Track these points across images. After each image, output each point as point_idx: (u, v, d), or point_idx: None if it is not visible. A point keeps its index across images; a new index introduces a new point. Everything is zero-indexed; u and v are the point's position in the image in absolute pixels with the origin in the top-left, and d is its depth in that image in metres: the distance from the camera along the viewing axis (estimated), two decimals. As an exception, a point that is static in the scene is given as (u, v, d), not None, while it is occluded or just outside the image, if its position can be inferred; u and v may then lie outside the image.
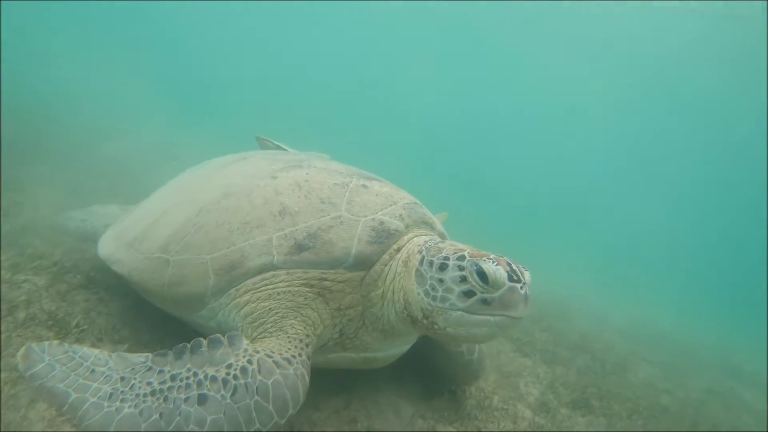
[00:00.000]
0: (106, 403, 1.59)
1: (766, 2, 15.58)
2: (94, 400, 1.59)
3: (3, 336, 1.92)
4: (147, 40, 26.68)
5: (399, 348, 2.43)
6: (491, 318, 1.85)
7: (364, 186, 2.38)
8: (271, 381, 1.69)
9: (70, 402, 1.58)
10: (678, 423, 4.09)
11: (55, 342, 1.78)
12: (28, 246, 2.91)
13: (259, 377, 1.68)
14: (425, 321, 2.00)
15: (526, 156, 36.28)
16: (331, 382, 2.47)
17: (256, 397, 1.63)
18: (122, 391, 1.64)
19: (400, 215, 2.26)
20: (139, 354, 1.83)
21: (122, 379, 1.70)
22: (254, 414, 1.60)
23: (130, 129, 9.53)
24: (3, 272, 2.47)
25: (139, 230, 2.55)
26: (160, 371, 1.73)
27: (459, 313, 1.89)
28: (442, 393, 2.87)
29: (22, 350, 1.71)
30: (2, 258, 2.66)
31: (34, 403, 1.57)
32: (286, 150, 3.98)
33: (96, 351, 1.80)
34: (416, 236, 2.27)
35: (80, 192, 4.78)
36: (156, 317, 2.48)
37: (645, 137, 34.41)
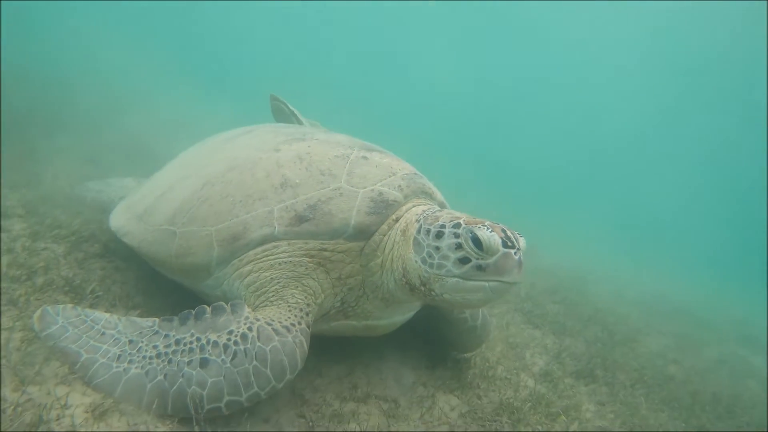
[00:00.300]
0: (114, 364, 1.70)
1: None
2: (103, 360, 1.70)
3: (22, 299, 2.04)
4: (168, 15, 26.51)
5: (401, 316, 2.49)
6: (486, 284, 1.89)
7: (365, 157, 2.39)
8: (269, 347, 1.76)
9: (82, 361, 1.69)
10: (680, 391, 4.09)
11: (69, 306, 1.90)
12: (48, 215, 3.04)
13: (258, 343, 1.75)
14: (423, 288, 2.04)
15: (546, 132, 35.37)
16: (336, 350, 2.55)
17: (255, 362, 1.71)
18: (130, 353, 1.74)
19: (399, 186, 2.28)
20: (147, 319, 1.92)
21: (130, 341, 1.80)
22: (252, 378, 1.68)
23: (149, 103, 9.64)
24: (23, 240, 2.60)
25: (148, 203, 2.63)
26: (166, 335, 1.82)
27: (455, 279, 1.92)
28: (445, 362, 2.91)
29: (38, 312, 1.83)
30: (23, 226, 2.79)
31: (49, 361, 1.69)
32: (297, 116, 4.01)
33: (107, 315, 1.90)
34: (415, 206, 2.29)
35: (99, 164, 4.92)
36: (169, 286, 2.58)
37: (665, 112, 33.21)
